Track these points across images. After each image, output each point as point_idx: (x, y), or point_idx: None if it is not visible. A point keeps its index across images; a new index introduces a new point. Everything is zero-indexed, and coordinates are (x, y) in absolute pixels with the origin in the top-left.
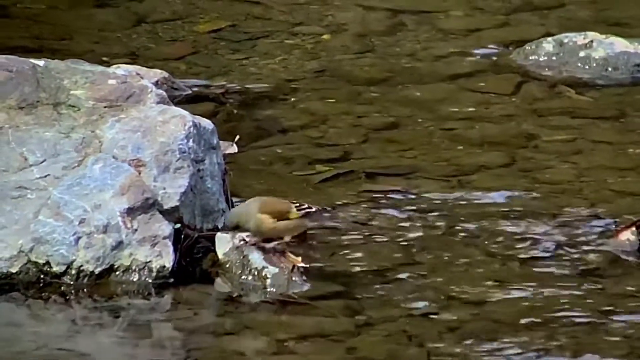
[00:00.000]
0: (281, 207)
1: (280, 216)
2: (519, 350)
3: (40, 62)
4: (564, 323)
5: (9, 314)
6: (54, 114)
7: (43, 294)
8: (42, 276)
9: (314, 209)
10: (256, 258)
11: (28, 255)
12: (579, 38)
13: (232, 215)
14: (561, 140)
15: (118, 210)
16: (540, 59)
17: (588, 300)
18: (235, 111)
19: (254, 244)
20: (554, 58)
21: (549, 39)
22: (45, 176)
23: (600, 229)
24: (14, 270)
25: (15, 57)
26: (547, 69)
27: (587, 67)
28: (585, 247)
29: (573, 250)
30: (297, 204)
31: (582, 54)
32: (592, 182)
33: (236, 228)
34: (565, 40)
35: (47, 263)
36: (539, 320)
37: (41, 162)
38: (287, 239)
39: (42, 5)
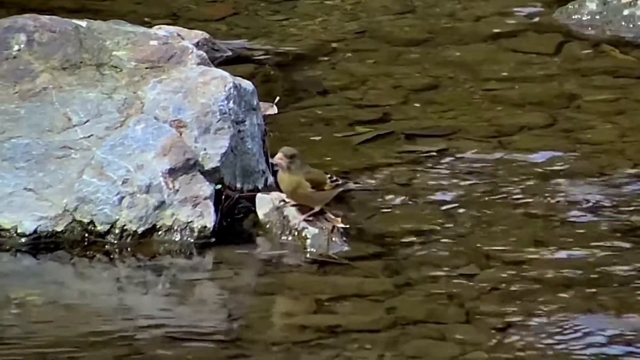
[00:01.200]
0: (321, 179)
1: (317, 186)
2: (560, 310)
3: (83, 23)
4: (606, 283)
5: (54, 272)
6: (96, 74)
7: (87, 252)
8: (86, 235)
9: (341, 182)
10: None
11: (73, 214)
12: None
13: (292, 151)
14: (604, 100)
15: (160, 170)
16: (583, 18)
17: (631, 260)
18: (274, 72)
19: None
20: (597, 17)
21: None
22: (89, 136)
23: None
24: (59, 229)
25: (58, 18)
26: (590, 28)
27: (631, 25)
28: (628, 207)
29: (615, 210)
30: (330, 176)
31: (626, 12)
32: (635, 142)
33: (290, 157)
34: None
35: (91, 222)
36: (581, 280)
37: (84, 123)
38: (317, 209)
39: None
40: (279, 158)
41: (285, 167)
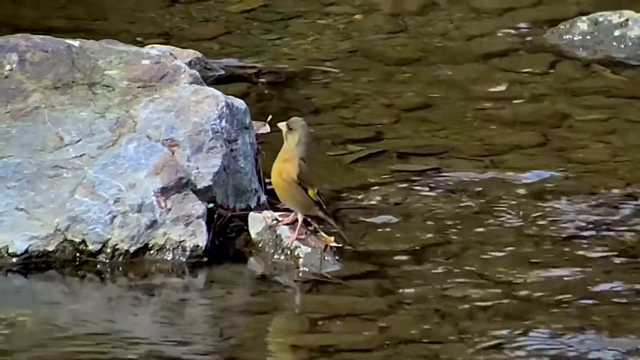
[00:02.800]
0: (309, 179)
1: (302, 181)
2: (553, 330)
3: (76, 43)
4: (599, 303)
5: (45, 292)
6: (89, 94)
7: (79, 272)
8: (78, 254)
9: (325, 208)
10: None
11: (64, 233)
12: (614, 17)
13: (298, 123)
14: (595, 120)
15: (152, 189)
16: (575, 38)
17: (623, 279)
18: (267, 91)
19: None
20: (588, 37)
21: (584, 17)
22: (81, 155)
23: (634, 209)
24: (50, 248)
25: (51, 38)
26: (581, 49)
27: (622, 46)
28: (620, 227)
29: (608, 230)
30: (320, 195)
31: (617, 32)
32: (626, 162)
33: (289, 128)
34: (600, 19)
35: (83, 242)
36: (573, 300)
37: (77, 142)
38: (300, 218)
39: None
40: (282, 124)
41: (284, 133)
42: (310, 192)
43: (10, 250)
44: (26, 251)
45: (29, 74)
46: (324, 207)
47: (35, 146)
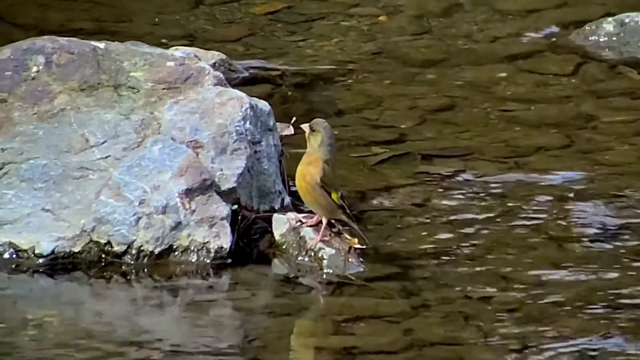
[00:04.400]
0: (333, 183)
1: (326, 185)
2: (578, 332)
3: (101, 45)
4: (624, 305)
5: (72, 292)
6: (114, 95)
7: (104, 273)
8: (103, 256)
9: (349, 212)
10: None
11: (90, 234)
12: None
13: (320, 125)
14: (621, 122)
15: (177, 191)
16: (600, 40)
17: None
18: (291, 93)
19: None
20: (614, 38)
21: (610, 19)
22: (106, 157)
23: None
24: (76, 249)
25: (77, 40)
26: (607, 50)
27: None
28: None
29: (633, 232)
30: (344, 198)
31: None
32: None
33: (312, 129)
34: (627, 20)
35: (109, 243)
36: (598, 302)
37: (102, 143)
38: (324, 221)
39: None
40: (305, 125)
41: (307, 135)
42: (334, 195)
43: (37, 251)
44: (52, 252)
45: (55, 76)
46: (348, 211)
47: (62, 148)
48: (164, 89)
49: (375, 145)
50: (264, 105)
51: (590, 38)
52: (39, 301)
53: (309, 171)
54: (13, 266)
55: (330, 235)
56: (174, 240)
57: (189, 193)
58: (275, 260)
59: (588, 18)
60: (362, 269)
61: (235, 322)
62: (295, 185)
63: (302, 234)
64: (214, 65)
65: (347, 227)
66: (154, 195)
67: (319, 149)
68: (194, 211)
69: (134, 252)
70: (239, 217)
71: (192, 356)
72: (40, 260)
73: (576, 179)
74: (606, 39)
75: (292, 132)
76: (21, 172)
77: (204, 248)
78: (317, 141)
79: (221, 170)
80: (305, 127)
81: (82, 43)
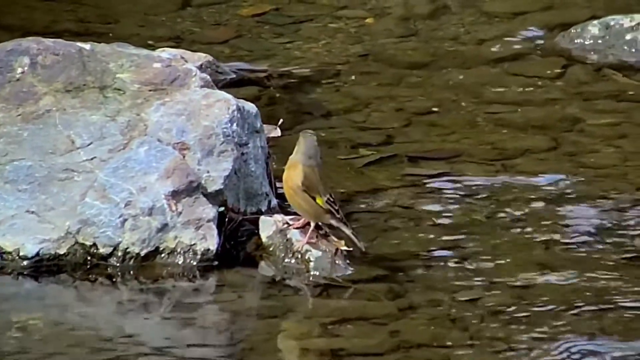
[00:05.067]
0: (316, 187)
1: (308, 189)
2: (564, 334)
3: (87, 46)
4: (610, 308)
5: (56, 295)
6: (100, 97)
7: (90, 275)
8: (89, 258)
9: (339, 216)
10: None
11: (75, 236)
12: (626, 21)
13: (302, 134)
14: (607, 124)
15: (163, 193)
16: (586, 42)
17: (635, 284)
18: (278, 95)
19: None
20: (599, 41)
21: (595, 22)
22: (92, 159)
23: None
24: (61, 251)
25: (62, 41)
26: (592, 53)
27: (633, 50)
28: (631, 232)
29: (619, 235)
30: (332, 200)
31: (628, 36)
32: (637, 166)
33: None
34: (612, 23)
35: (94, 245)
36: (584, 304)
37: (88, 145)
38: (312, 225)
39: None
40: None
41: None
42: (319, 200)
43: (21, 253)
44: (37, 254)
45: (41, 77)
46: (337, 214)
47: (47, 149)
48: (150, 90)
49: (362, 147)
50: (251, 107)
51: (575, 41)
52: (24, 304)
53: (290, 176)
54: None
55: (317, 237)
56: (160, 242)
57: (175, 195)
58: (262, 263)
59: (574, 21)
60: (349, 271)
61: (222, 324)
62: (282, 187)
63: (289, 236)
64: (200, 67)
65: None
66: (140, 197)
67: (299, 155)
68: (180, 213)
69: (119, 254)
70: (226, 219)
71: (178, 359)
72: (25, 263)
73: (562, 181)
74: (591, 41)
75: (280, 134)
76: (5, 173)
77: (191, 250)
78: (296, 148)
79: (208, 172)
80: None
81: (68, 44)
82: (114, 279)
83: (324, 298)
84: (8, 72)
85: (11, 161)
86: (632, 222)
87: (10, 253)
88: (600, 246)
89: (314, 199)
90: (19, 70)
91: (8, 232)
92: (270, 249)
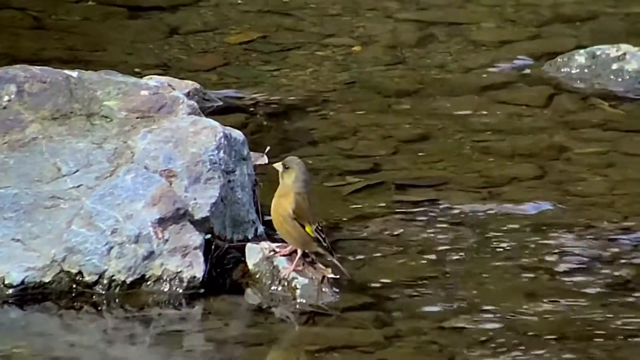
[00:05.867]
0: (306, 215)
1: (298, 217)
2: None
3: (74, 73)
4: (596, 336)
5: (41, 323)
6: (87, 124)
7: (75, 303)
8: (74, 286)
9: (326, 245)
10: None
11: (61, 264)
12: (612, 50)
13: (294, 162)
14: (593, 153)
15: (149, 220)
16: (573, 71)
17: (620, 313)
18: (265, 122)
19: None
20: (586, 70)
21: (582, 51)
22: (78, 186)
23: (632, 243)
24: (46, 279)
25: (49, 68)
26: (579, 82)
27: (620, 79)
28: (618, 261)
29: (605, 263)
30: (321, 229)
31: (615, 66)
32: (624, 195)
33: (285, 167)
34: (598, 53)
35: (80, 273)
36: (570, 333)
37: (74, 172)
38: (299, 252)
39: (76, 17)
40: (278, 164)
41: (280, 173)
42: (308, 228)
43: (6, 282)
44: (22, 282)
45: (27, 105)
46: (324, 243)
47: (33, 177)
48: (137, 117)
49: (349, 175)
50: (238, 134)
51: (562, 70)
52: (9, 332)
53: (281, 204)
54: None
55: (303, 264)
56: (146, 270)
57: (162, 222)
58: (249, 290)
59: (560, 50)
60: (335, 299)
61: (208, 352)
62: (269, 215)
63: (275, 263)
64: (188, 95)
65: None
66: (126, 224)
67: (294, 184)
68: (167, 240)
69: (105, 282)
70: (212, 247)
71: None
72: (10, 291)
73: (549, 209)
74: (578, 70)
75: (266, 161)
76: None
77: (177, 277)
78: (291, 178)
79: (195, 199)
80: (277, 165)
81: (55, 72)
82: (99, 307)
83: (310, 326)
84: None
85: None
86: (618, 251)
87: None
88: (587, 275)
89: (303, 227)
90: (6, 97)
91: None
92: (257, 276)
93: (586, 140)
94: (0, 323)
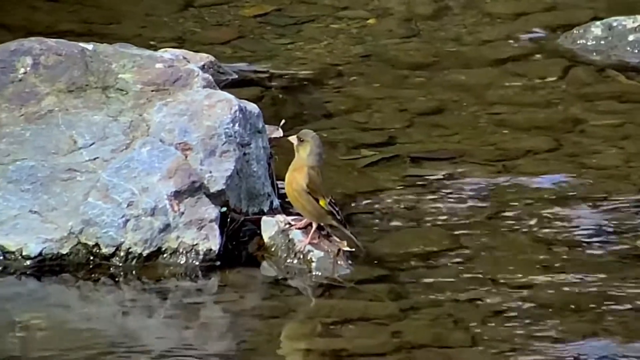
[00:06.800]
0: (319, 189)
1: (312, 191)
2: (566, 335)
3: (89, 46)
4: (612, 308)
5: (59, 295)
6: (102, 97)
7: (92, 275)
8: (91, 258)
9: (339, 218)
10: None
11: (78, 236)
12: (629, 22)
13: (308, 135)
14: (609, 125)
15: (165, 193)
16: (588, 43)
17: (636, 285)
18: (280, 95)
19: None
20: (602, 42)
21: (598, 22)
22: (94, 159)
23: None
24: (64, 251)
25: (65, 41)
26: (595, 54)
27: (636, 51)
28: (633, 233)
29: (621, 236)
30: (334, 203)
31: (631, 37)
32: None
33: (300, 140)
34: (614, 24)
35: (97, 245)
36: (586, 304)
37: (90, 145)
38: (314, 226)
39: None
40: (293, 137)
41: (295, 146)
42: (322, 201)
43: (24, 253)
44: (40, 254)
45: (43, 77)
46: (338, 216)
47: (49, 149)
48: (152, 90)
49: (364, 147)
50: (253, 107)
51: (578, 42)
52: (27, 303)
53: (294, 178)
54: (0, 268)
55: (319, 237)
56: (162, 243)
57: (177, 195)
58: (264, 263)
59: (576, 22)
60: (350, 272)
61: (224, 324)
62: (284, 188)
63: (290, 236)
64: (202, 68)
65: (340, 232)
66: (142, 197)
67: (308, 157)
68: (182, 213)
69: (122, 254)
70: (228, 220)
71: (180, 359)
72: (28, 262)
73: (564, 182)
74: (594, 42)
75: (281, 134)
76: (8, 173)
77: (193, 250)
78: (306, 151)
79: (210, 172)
80: (293, 138)
81: (70, 44)
82: (116, 279)
83: (326, 298)
84: (11, 72)
85: (14, 161)
86: (634, 223)
87: (13, 253)
88: (602, 247)
89: (317, 200)
90: (22, 70)
91: (11, 231)
92: (272, 249)
93: (602, 113)
94: (18, 294)
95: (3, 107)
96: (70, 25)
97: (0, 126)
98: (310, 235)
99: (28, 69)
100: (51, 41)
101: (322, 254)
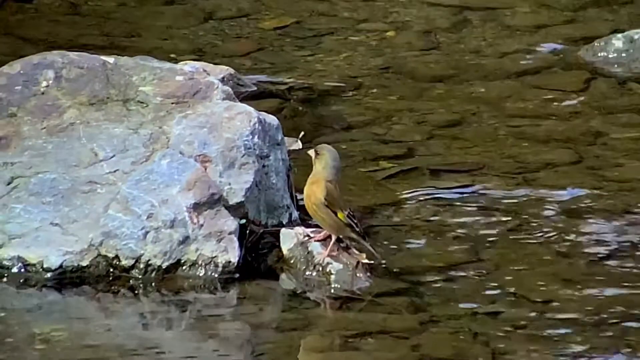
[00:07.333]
0: (337, 201)
1: (330, 204)
2: (588, 351)
3: (110, 59)
4: (634, 323)
5: (79, 307)
6: (123, 110)
7: (112, 287)
8: (111, 270)
9: (359, 230)
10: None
11: (98, 249)
12: None
13: (325, 148)
14: (630, 138)
15: (185, 205)
16: (610, 56)
17: None
18: (299, 108)
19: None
20: (623, 54)
21: (619, 35)
22: (115, 171)
23: None
24: (84, 263)
25: (86, 54)
26: (616, 66)
27: None
28: None
29: None
30: (353, 215)
31: None
32: None
33: (317, 153)
34: (636, 37)
35: (116, 257)
36: (608, 319)
37: (111, 158)
38: (333, 238)
39: (112, 3)
40: (311, 151)
41: (313, 159)
42: (340, 214)
43: (45, 265)
44: (60, 266)
45: (65, 90)
46: (357, 229)
47: (70, 162)
48: (172, 103)
49: (383, 160)
50: (272, 119)
51: (599, 54)
52: (47, 315)
53: (313, 191)
54: (21, 280)
55: (338, 250)
56: (181, 255)
57: (197, 207)
58: (283, 275)
59: (597, 34)
60: (369, 284)
61: (243, 337)
62: (303, 200)
63: (310, 248)
64: (222, 80)
65: (356, 244)
66: (162, 209)
67: (324, 170)
68: (202, 225)
69: (142, 266)
70: (247, 232)
71: None
72: (49, 275)
73: (585, 195)
74: (615, 55)
75: (301, 146)
76: (30, 186)
77: (212, 262)
78: (322, 164)
79: (229, 184)
80: (311, 152)
81: (92, 58)
82: (136, 291)
83: (345, 311)
84: (33, 86)
85: (36, 174)
86: None
87: (34, 265)
88: (624, 260)
89: (336, 213)
90: (44, 83)
91: (32, 244)
92: (291, 261)
93: (623, 125)
94: (38, 306)
95: (25, 120)
96: (91, 38)
97: (23, 139)
98: (329, 248)
99: (50, 82)
100: (73, 54)
101: (341, 266)
